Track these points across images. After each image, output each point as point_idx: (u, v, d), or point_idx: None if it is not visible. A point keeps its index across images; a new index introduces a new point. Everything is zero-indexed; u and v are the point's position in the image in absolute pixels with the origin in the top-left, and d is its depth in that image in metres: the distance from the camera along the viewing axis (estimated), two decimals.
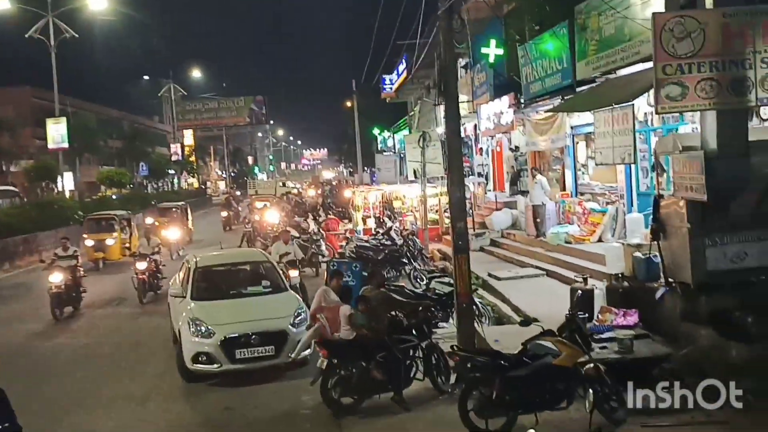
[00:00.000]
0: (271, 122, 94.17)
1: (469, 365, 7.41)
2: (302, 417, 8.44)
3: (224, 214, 34.03)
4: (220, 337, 9.84)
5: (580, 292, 9.93)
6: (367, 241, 18.51)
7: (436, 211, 21.52)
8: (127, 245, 23.64)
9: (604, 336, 8.91)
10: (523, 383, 7.13)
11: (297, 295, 11.34)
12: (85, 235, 23.36)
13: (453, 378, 8.35)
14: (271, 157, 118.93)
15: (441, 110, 13.31)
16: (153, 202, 36.42)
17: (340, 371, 8.27)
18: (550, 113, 15.63)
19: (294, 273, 13.71)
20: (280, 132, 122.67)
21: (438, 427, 7.60)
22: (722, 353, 7.85)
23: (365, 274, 12.32)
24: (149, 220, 28.65)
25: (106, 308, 16.25)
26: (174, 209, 30.12)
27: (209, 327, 9.98)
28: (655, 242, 9.41)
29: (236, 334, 9.88)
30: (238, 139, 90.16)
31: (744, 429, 6.93)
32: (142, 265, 16.45)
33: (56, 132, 33.54)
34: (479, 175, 25.05)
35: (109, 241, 23.57)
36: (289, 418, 8.50)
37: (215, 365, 9.83)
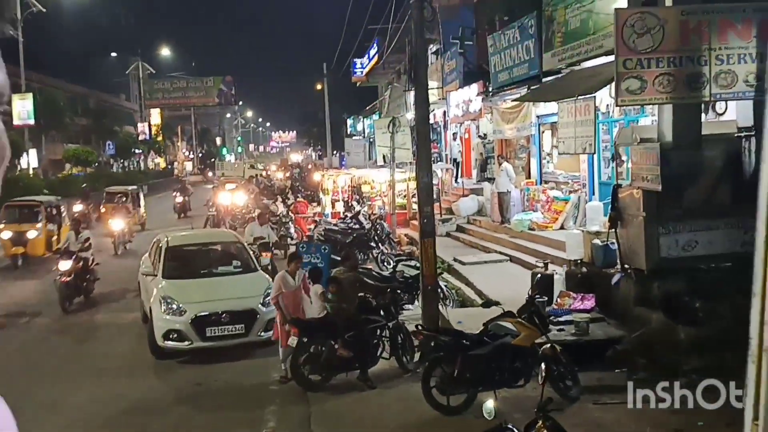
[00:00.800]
0: (240, 103, 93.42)
1: (432, 344, 7.74)
2: (271, 393, 8.70)
3: (179, 199, 30.26)
4: (191, 315, 10.03)
5: (539, 276, 10.31)
6: (335, 225, 18.74)
7: (404, 197, 21.78)
8: (55, 238, 19.04)
9: (562, 319, 9.32)
10: (483, 362, 7.47)
11: (267, 276, 11.56)
12: (1, 226, 18.94)
13: (417, 356, 8.68)
14: (239, 138, 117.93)
15: (411, 96, 13.54)
16: (83, 186, 31.36)
17: (310, 349, 8.55)
18: (516, 102, 15.99)
19: (267, 255, 13.94)
20: (249, 113, 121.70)
21: (402, 403, 7.92)
22: (672, 336, 8.28)
23: (335, 257, 12.61)
24: (78, 208, 24.38)
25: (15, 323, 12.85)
26: (120, 195, 26.00)
27: (180, 305, 10.17)
28: (613, 230, 9.81)
29: (207, 313, 10.09)
30: (206, 120, 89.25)
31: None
32: (65, 265, 13.27)
33: (22, 108, 32.97)
34: (455, 161, 25.28)
35: (32, 234, 18.91)
36: (258, 393, 8.75)
37: (186, 342, 10.03)
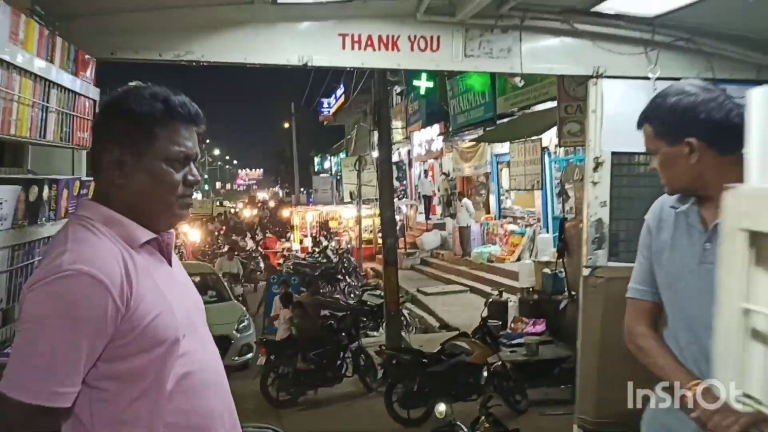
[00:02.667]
0: (207, 141, 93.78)
1: (394, 361, 8.45)
2: (246, 410, 9.28)
3: None
4: None
5: (491, 301, 11.17)
6: (304, 259, 19.43)
7: (371, 232, 22.50)
8: None
9: (515, 342, 10.10)
10: (440, 377, 8.20)
11: (240, 305, 12.22)
12: None
13: (380, 375, 9.40)
14: (206, 176, 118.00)
15: (376, 136, 14.43)
16: None
17: (278, 369, 9.23)
18: (473, 142, 17.02)
19: (238, 287, 14.65)
20: (216, 151, 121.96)
21: (367, 417, 8.59)
22: None
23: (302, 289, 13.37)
24: None
25: None
26: None
27: None
28: (561, 260, 10.69)
29: None
30: None
31: None
32: None
33: None
34: (426, 197, 25.68)
35: None
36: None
37: None
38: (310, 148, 53.17)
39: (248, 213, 44.82)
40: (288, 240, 25.80)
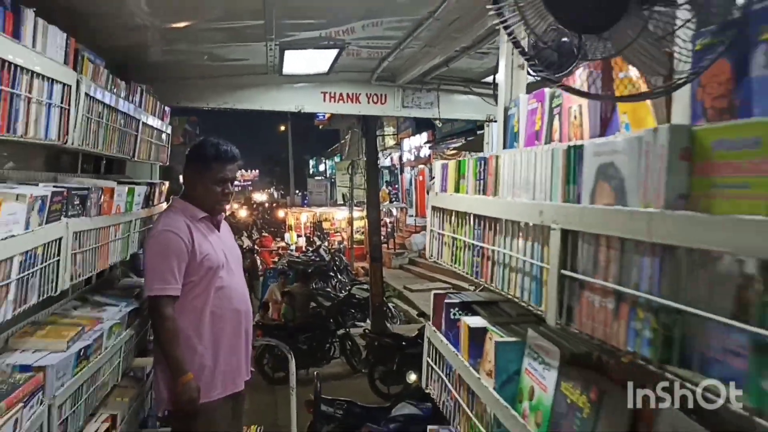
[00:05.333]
0: None
1: (376, 344, 9.56)
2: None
3: None
4: None
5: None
6: (298, 257, 20.46)
7: (362, 233, 23.49)
8: None
9: None
10: (417, 358, 9.27)
11: None
12: None
13: (364, 357, 10.50)
14: None
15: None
16: None
17: (273, 349, 10.32)
18: (456, 150, 18.17)
19: None
20: None
21: (352, 393, 9.68)
22: None
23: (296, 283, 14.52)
24: None
25: None
26: None
27: None
28: None
29: None
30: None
31: None
32: None
33: None
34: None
35: None
36: None
37: None
38: (305, 151, 54.17)
39: (244, 213, 45.74)
40: (283, 239, 26.77)
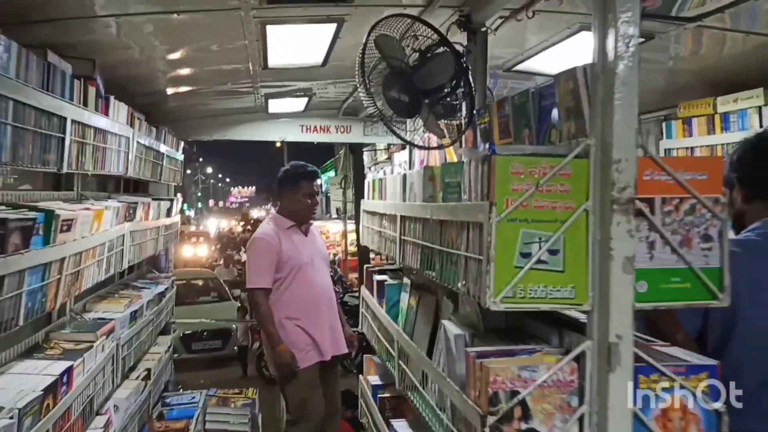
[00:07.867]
0: (201, 160, 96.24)
1: (365, 344, 10.77)
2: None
3: None
4: (180, 333, 12.88)
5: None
6: None
7: (357, 245, 24.56)
8: None
9: None
10: None
11: (238, 303, 14.66)
12: None
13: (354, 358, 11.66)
14: (199, 194, 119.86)
15: (363, 156, 16.79)
16: None
17: None
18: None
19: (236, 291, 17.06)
20: (209, 169, 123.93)
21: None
22: None
23: None
24: None
25: None
26: None
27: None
28: None
29: (191, 331, 12.90)
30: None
31: None
32: None
33: None
34: None
35: None
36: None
37: (176, 354, 12.87)
38: None
39: (240, 229, 46.98)
40: None
